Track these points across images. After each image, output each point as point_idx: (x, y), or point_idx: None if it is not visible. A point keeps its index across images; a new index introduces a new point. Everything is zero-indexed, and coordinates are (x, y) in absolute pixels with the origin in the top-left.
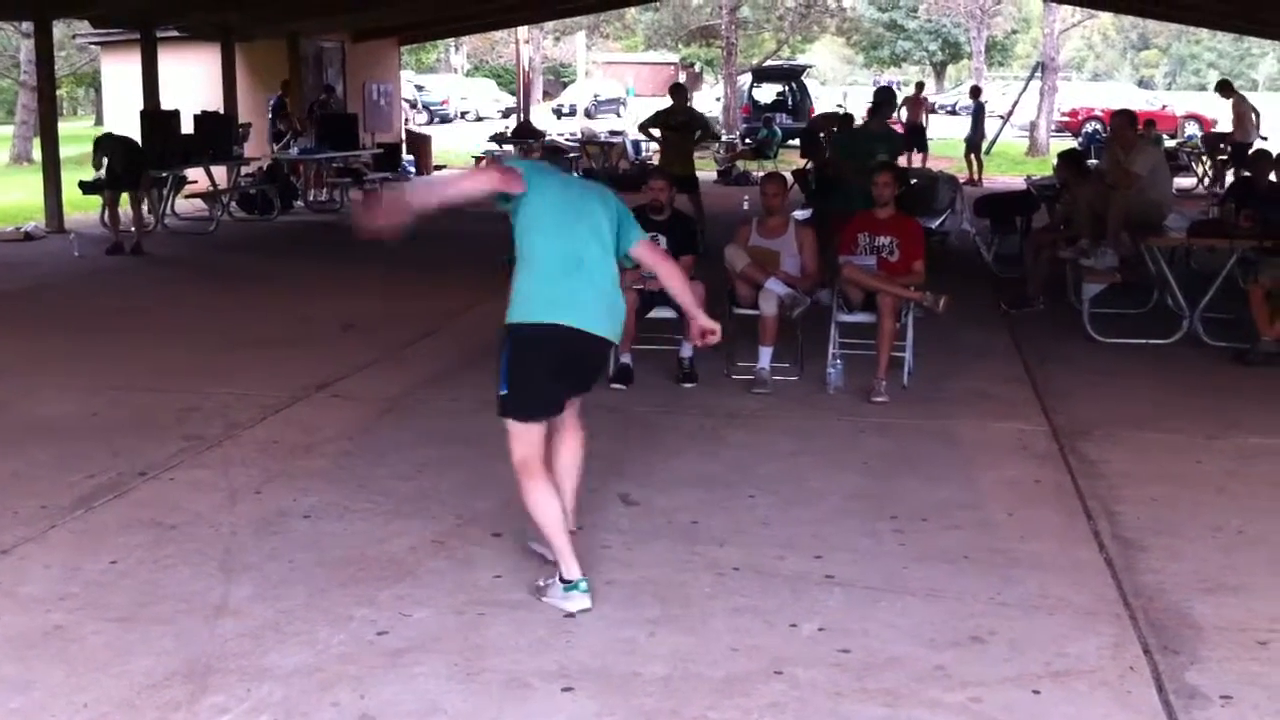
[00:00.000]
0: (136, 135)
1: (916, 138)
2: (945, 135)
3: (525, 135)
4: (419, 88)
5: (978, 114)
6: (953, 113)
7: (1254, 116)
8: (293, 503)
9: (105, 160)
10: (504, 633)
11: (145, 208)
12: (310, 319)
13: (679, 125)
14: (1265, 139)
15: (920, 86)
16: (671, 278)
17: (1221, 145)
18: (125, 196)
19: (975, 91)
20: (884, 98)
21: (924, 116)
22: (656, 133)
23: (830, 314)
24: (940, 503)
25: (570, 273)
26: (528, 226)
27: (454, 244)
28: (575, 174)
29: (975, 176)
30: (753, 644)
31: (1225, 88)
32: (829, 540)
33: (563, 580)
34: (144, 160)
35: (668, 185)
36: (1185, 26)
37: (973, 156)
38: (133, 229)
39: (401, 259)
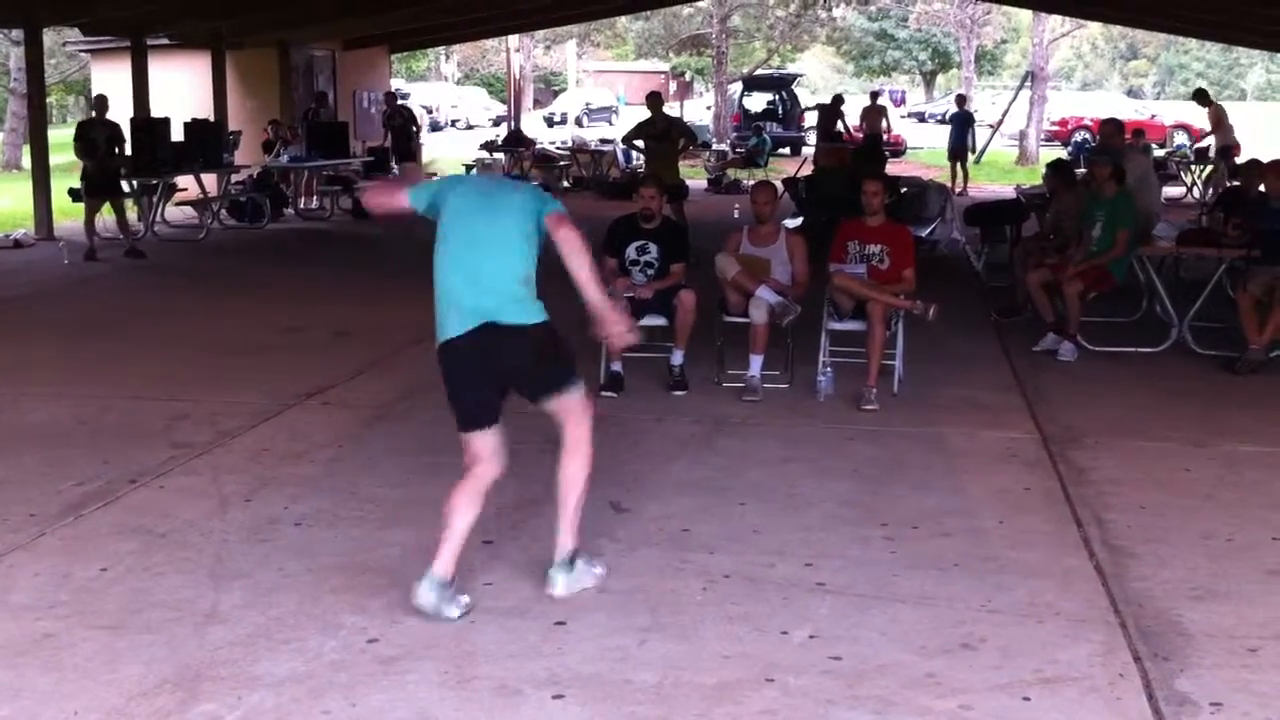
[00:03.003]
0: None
1: (873, 148)
2: (934, 145)
3: (515, 143)
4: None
5: (962, 122)
6: (942, 121)
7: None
8: (283, 510)
9: (91, 143)
10: (495, 640)
11: (135, 214)
12: (300, 326)
13: (660, 134)
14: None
15: (875, 95)
16: (579, 270)
17: (1230, 157)
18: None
19: (961, 100)
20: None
21: (882, 125)
22: (640, 144)
23: (821, 322)
24: (930, 510)
25: (466, 286)
26: (437, 238)
27: None
28: (500, 177)
29: (958, 185)
30: (744, 651)
31: (1202, 96)
32: (819, 547)
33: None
34: (121, 153)
35: (658, 193)
36: (1174, 36)
37: (957, 165)
38: (121, 235)
39: (392, 266)
